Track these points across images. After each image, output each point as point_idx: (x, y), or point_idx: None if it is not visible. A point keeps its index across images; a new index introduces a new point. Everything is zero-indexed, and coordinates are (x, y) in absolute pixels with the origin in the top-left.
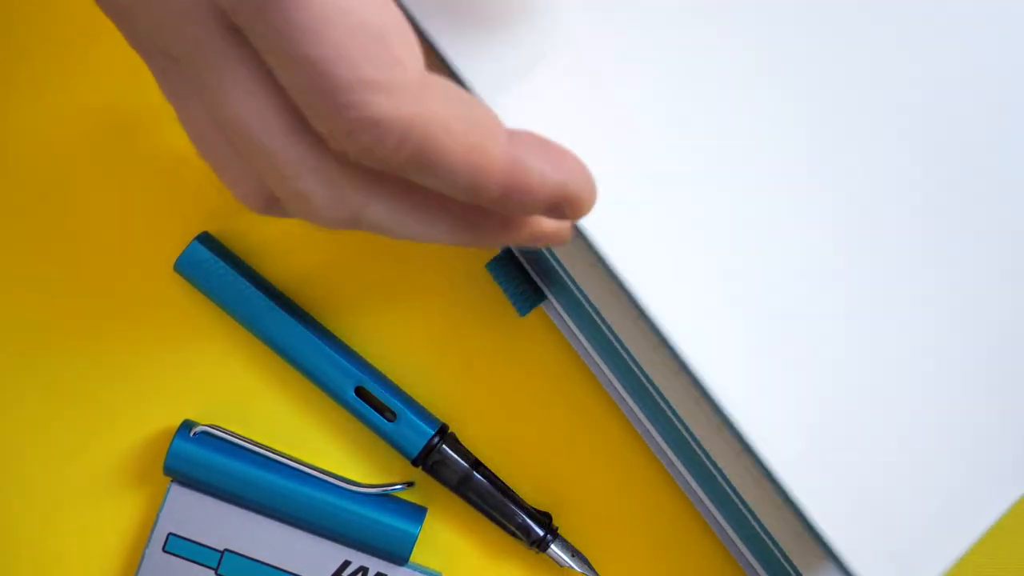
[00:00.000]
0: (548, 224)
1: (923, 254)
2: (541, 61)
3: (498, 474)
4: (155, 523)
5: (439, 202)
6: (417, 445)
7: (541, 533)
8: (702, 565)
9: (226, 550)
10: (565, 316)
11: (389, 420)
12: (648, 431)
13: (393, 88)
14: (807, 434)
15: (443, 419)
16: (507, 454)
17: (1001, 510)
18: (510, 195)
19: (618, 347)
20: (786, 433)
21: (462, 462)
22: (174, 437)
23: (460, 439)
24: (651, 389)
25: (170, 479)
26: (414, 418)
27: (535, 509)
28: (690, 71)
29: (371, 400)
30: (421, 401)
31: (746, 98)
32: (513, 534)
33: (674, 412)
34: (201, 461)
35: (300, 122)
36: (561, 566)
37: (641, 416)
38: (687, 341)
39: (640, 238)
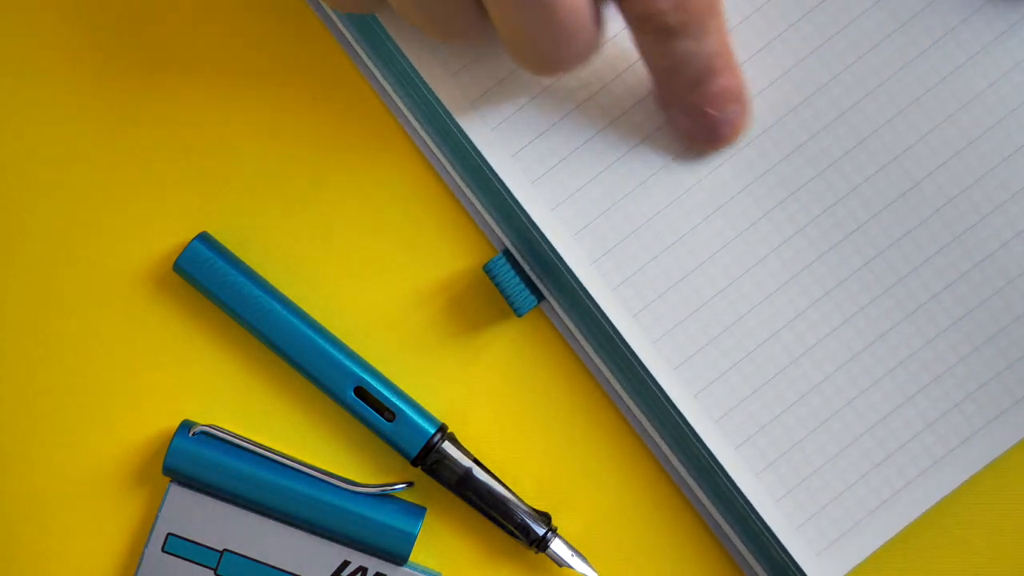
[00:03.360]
0: None
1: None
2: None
3: (497, 474)
4: (154, 523)
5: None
6: (416, 445)
7: (540, 532)
8: (700, 565)
9: (225, 550)
10: (563, 316)
11: (388, 420)
12: (646, 430)
13: None
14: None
15: (442, 419)
16: (506, 454)
17: (935, 499)
18: (726, 71)
19: (620, 344)
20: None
21: (461, 461)
22: (173, 437)
23: (459, 439)
24: (652, 385)
25: (169, 479)
26: (413, 417)
27: (534, 509)
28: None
29: (370, 400)
30: (420, 401)
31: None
32: (512, 534)
33: (675, 408)
34: (200, 461)
35: None
36: (560, 566)
37: (640, 416)
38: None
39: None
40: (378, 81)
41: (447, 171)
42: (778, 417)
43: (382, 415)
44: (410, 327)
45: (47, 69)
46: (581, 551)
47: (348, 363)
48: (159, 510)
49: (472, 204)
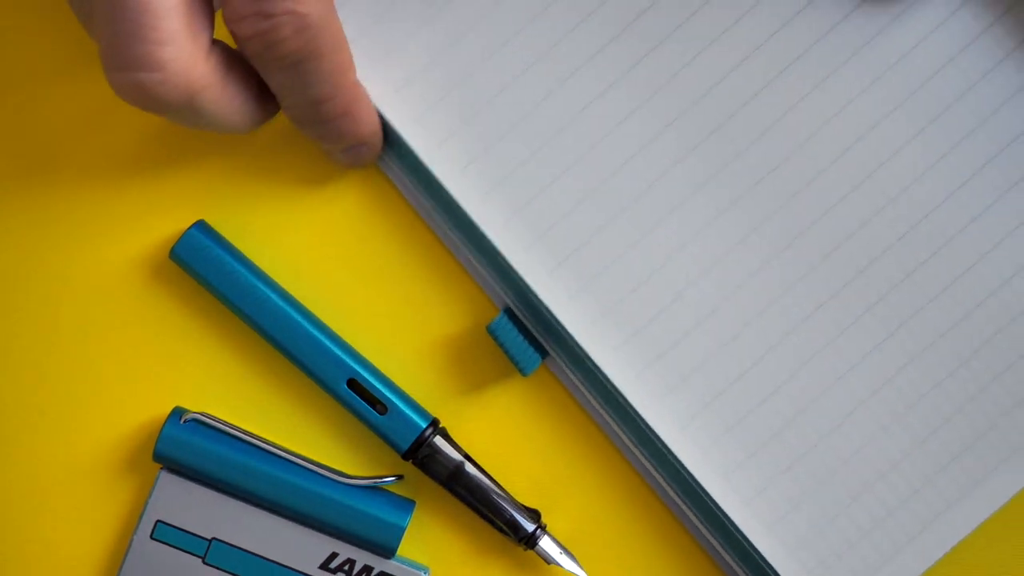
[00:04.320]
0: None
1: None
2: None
3: (488, 471)
4: (143, 510)
5: (265, 97)
6: (408, 438)
7: (529, 530)
8: (688, 566)
9: (214, 539)
10: (567, 370)
11: (380, 413)
12: (646, 468)
13: None
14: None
15: (435, 414)
16: (498, 451)
17: (960, 535)
18: (343, 117)
19: (624, 405)
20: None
21: (452, 456)
22: (164, 423)
23: (451, 435)
24: (657, 441)
25: (160, 466)
26: (406, 411)
27: (524, 506)
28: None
29: (363, 392)
30: (414, 396)
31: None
32: (501, 530)
33: (683, 467)
34: (191, 448)
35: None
36: (548, 563)
37: (642, 460)
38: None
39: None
40: None
41: (444, 232)
42: (789, 469)
43: (374, 408)
44: (406, 322)
45: (43, 55)
46: (571, 551)
47: (342, 355)
48: (148, 497)
49: (471, 263)
